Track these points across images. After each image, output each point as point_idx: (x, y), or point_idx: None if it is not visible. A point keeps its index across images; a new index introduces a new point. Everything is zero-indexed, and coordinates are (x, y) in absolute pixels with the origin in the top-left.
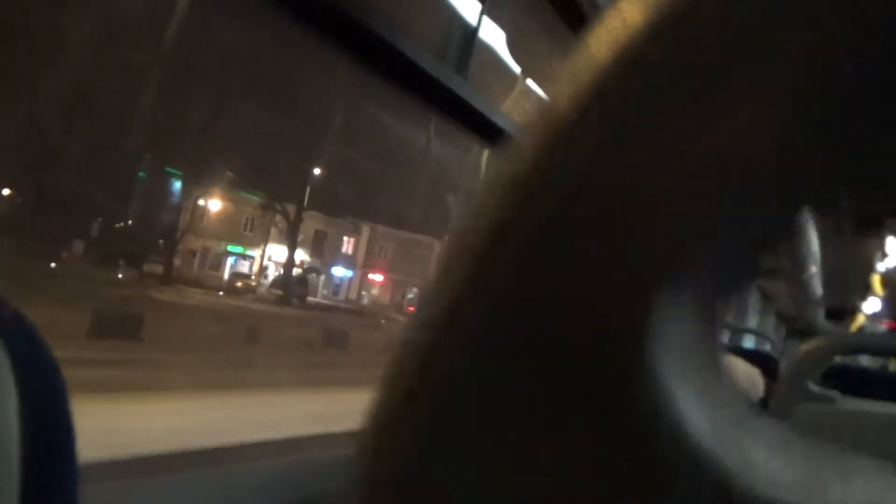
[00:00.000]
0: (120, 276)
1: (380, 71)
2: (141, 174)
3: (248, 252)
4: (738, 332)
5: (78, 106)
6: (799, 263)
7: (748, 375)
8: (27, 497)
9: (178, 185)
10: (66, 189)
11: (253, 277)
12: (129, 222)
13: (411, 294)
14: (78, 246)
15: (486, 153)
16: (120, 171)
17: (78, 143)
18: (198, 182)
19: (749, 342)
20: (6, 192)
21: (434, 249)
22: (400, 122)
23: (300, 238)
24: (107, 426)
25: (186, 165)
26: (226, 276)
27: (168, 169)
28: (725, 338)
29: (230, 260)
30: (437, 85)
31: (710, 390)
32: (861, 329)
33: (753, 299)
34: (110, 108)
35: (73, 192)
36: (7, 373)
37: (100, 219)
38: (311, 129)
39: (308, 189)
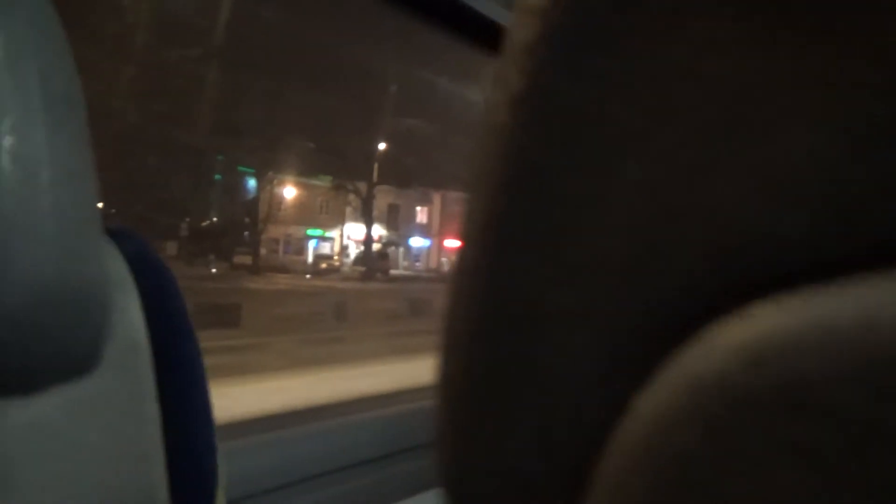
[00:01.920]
0: (213, 270)
1: (429, 17)
2: (217, 176)
3: (328, 234)
4: None
5: (150, 114)
6: None
7: None
8: (162, 383)
9: (252, 181)
10: (152, 197)
11: (335, 257)
12: (214, 220)
13: None
14: (171, 247)
15: None
16: (197, 175)
17: (156, 153)
18: (269, 175)
19: None
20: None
21: None
22: (453, 82)
23: (374, 214)
24: (219, 409)
25: (256, 162)
26: (310, 259)
27: (240, 168)
28: None
29: (312, 243)
30: (489, 26)
31: None
32: None
33: None
34: (181, 114)
35: (160, 199)
36: (126, 272)
37: (187, 220)
38: (369, 104)
39: (376, 165)
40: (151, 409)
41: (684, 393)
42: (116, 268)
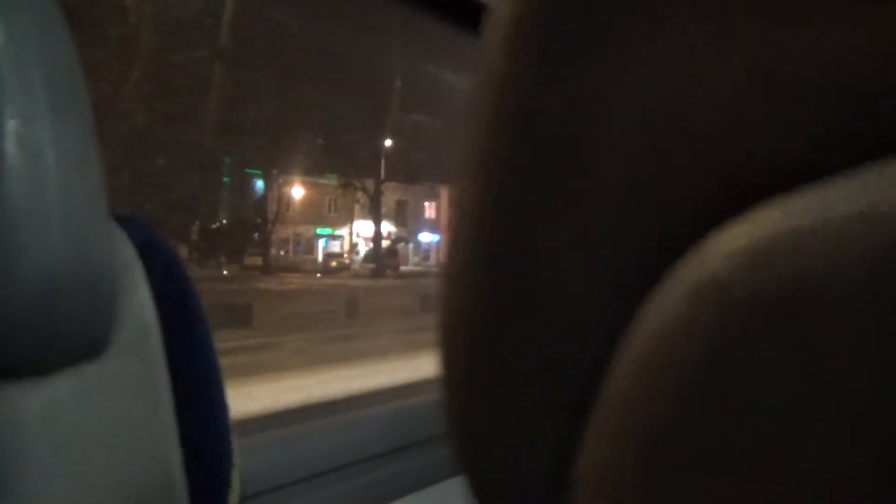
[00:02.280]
0: (224, 272)
1: (428, 8)
2: (225, 179)
3: (337, 232)
4: None
5: (157, 116)
6: None
7: None
8: (174, 363)
9: (259, 182)
10: (162, 199)
11: (345, 255)
12: (224, 222)
13: None
14: (182, 250)
15: None
16: (204, 178)
17: (165, 155)
18: (276, 176)
19: None
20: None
21: None
22: (457, 75)
23: (383, 211)
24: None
25: (264, 163)
26: (319, 257)
27: (248, 170)
28: None
29: (321, 242)
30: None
31: None
32: None
33: None
34: (188, 115)
35: (169, 201)
36: (134, 257)
37: (197, 223)
38: (373, 101)
39: (383, 161)
40: (164, 390)
41: (684, 302)
42: (124, 252)
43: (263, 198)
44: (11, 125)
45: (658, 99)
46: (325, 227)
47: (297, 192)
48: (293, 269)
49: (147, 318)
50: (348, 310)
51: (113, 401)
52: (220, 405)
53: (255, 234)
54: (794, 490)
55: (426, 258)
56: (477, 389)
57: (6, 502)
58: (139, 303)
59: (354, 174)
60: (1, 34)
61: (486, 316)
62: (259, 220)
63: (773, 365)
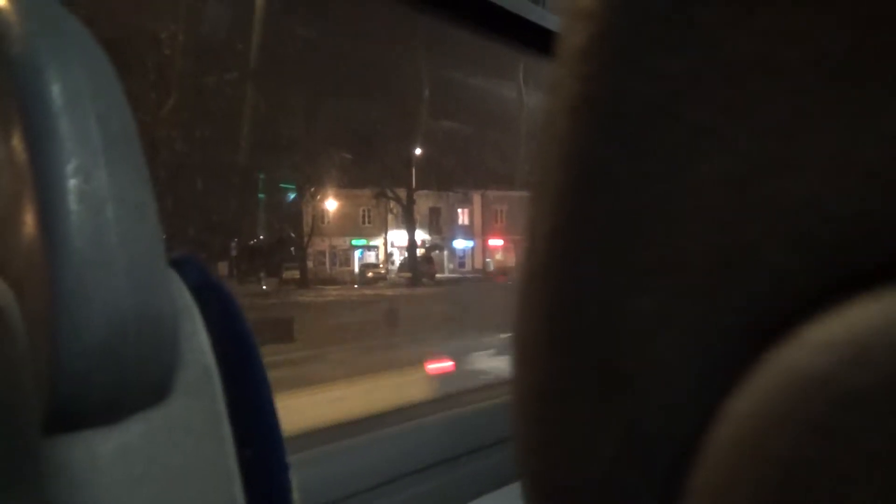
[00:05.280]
0: (264, 287)
1: (458, 16)
2: (261, 196)
3: (372, 242)
4: None
5: (194, 140)
6: None
7: None
8: (232, 407)
9: (293, 196)
10: (203, 220)
11: (381, 265)
12: (261, 237)
13: None
14: (223, 267)
15: None
16: (242, 198)
17: (204, 178)
18: (312, 192)
19: None
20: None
21: None
22: (486, 80)
23: (416, 219)
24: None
25: (297, 178)
26: (356, 269)
27: (282, 185)
28: None
29: (357, 253)
30: (518, 21)
31: None
32: None
33: None
34: (223, 137)
35: (210, 221)
36: (190, 300)
37: (235, 240)
38: (403, 110)
39: (413, 170)
40: (226, 430)
41: (783, 394)
42: (182, 296)
43: (298, 212)
44: (73, 183)
45: (746, 169)
46: (360, 238)
47: (331, 204)
48: (331, 281)
49: (207, 361)
50: (388, 319)
51: (181, 442)
52: (277, 443)
53: (292, 249)
54: None
55: (461, 265)
56: (561, 464)
57: None
58: (198, 346)
59: (387, 184)
60: (60, 95)
61: (566, 392)
62: (294, 234)
63: (888, 466)
